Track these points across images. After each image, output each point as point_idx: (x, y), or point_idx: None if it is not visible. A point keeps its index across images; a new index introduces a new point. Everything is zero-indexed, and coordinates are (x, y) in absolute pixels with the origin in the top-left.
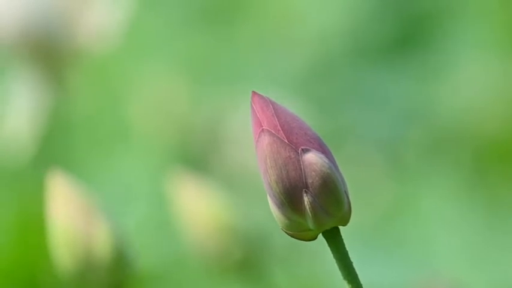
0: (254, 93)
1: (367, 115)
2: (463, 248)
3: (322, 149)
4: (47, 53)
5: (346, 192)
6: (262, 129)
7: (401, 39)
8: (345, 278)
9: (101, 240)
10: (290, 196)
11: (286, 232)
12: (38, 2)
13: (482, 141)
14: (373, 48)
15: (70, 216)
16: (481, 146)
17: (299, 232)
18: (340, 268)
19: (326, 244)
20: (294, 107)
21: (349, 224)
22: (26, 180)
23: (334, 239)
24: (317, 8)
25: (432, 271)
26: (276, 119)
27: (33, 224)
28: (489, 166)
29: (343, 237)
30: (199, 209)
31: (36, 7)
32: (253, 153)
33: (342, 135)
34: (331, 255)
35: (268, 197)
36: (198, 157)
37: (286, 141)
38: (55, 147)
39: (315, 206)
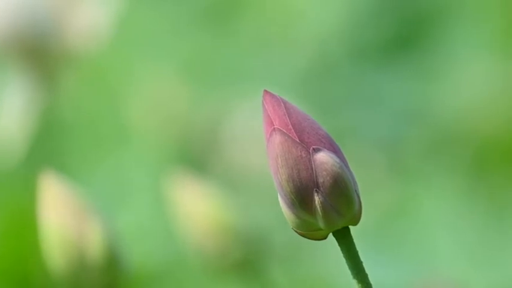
0: (266, 92)
1: (367, 115)
2: (464, 248)
3: (333, 149)
4: (39, 52)
5: (357, 192)
6: (274, 128)
7: (401, 39)
8: (354, 278)
9: (93, 241)
10: (301, 195)
11: (296, 231)
12: (29, 2)
13: (482, 142)
14: (373, 48)
15: (62, 217)
16: (481, 146)
17: (309, 232)
18: (349, 268)
19: (326, 244)
20: None
21: None
22: (19, 181)
23: (344, 238)
24: (317, 8)
25: (432, 271)
26: (288, 118)
27: (25, 225)
28: (489, 166)
29: None
30: (198, 208)
31: (26, 7)
32: (252, 153)
33: (342, 135)
34: (331, 255)
35: (278, 196)
36: (197, 157)
37: (298, 140)
38: (49, 148)
39: (326, 205)
